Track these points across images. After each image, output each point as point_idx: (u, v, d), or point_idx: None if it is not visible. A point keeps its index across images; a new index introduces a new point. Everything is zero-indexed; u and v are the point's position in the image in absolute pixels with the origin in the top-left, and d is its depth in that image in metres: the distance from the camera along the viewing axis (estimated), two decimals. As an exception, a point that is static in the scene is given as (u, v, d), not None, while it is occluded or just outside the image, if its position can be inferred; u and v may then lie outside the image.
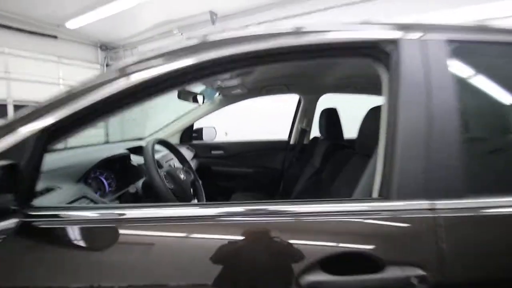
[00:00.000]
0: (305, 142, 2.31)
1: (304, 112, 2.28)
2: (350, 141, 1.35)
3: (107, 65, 6.29)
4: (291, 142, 2.36)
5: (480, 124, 0.70)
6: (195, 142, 2.36)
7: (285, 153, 2.39)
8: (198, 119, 2.22)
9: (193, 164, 2.11)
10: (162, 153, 1.61)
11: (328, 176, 1.29)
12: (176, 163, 1.51)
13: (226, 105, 2.20)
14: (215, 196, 2.47)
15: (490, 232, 0.56)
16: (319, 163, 1.71)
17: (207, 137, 2.42)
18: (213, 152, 2.36)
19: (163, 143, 1.37)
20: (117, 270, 0.53)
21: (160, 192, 0.95)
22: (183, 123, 2.20)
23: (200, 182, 1.48)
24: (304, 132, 2.31)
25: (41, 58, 5.36)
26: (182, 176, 1.10)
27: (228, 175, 2.38)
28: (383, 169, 0.60)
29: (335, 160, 1.31)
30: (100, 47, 6.15)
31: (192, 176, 1.33)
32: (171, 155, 1.50)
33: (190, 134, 2.33)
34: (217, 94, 2.13)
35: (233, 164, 2.38)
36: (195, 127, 2.38)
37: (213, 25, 4.24)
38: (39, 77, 5.33)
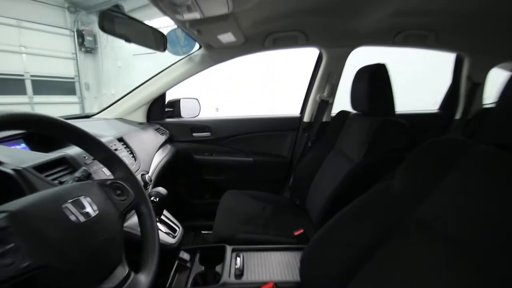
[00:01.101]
0: (325, 119, 1.63)
1: (326, 75, 1.58)
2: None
3: (78, 31, 5.36)
4: (305, 119, 1.68)
5: None
6: (169, 120, 1.66)
7: (296, 134, 1.72)
8: (171, 86, 1.51)
9: (166, 152, 1.43)
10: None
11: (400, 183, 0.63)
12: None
13: (215, 63, 1.48)
14: (200, 195, 1.85)
15: None
16: (361, 150, 1.05)
17: (187, 113, 1.72)
18: (195, 134, 1.67)
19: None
20: None
21: None
22: (149, 93, 1.49)
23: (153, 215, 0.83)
24: (325, 105, 1.62)
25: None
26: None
27: (217, 166, 1.72)
28: None
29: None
30: (68, 8, 5.19)
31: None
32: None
33: (161, 109, 1.62)
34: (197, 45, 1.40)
35: (223, 150, 1.71)
36: (168, 98, 1.67)
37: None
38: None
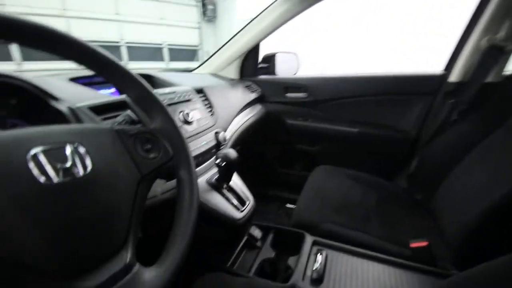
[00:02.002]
0: (492, 78, 1.01)
1: (507, 4, 0.94)
2: None
3: (202, 1, 5.86)
4: (452, 78, 1.11)
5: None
6: (262, 77, 1.47)
7: (431, 101, 1.19)
8: (265, 36, 1.27)
9: (254, 112, 1.27)
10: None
11: None
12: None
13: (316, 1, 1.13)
14: (289, 164, 1.64)
15: None
16: None
17: (282, 69, 1.47)
18: (289, 94, 1.42)
19: None
20: None
21: None
22: (240, 46, 1.31)
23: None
24: (496, 54, 1.00)
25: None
26: None
27: (311, 134, 1.43)
28: None
29: None
30: (195, -21, 5.69)
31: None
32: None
33: (254, 64, 1.44)
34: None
35: (321, 116, 1.40)
36: (262, 53, 1.46)
37: None
38: (144, 18, 5.50)
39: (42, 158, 0.28)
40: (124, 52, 5.31)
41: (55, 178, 0.28)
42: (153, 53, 5.67)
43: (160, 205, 0.58)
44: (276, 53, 1.47)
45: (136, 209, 0.35)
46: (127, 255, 0.32)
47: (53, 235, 0.26)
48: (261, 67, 1.47)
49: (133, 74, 0.42)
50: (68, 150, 0.30)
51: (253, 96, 1.32)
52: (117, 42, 5.23)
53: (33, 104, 0.51)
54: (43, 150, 0.28)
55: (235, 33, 1.30)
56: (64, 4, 4.50)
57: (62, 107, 0.51)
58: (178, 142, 0.45)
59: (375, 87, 1.27)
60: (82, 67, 0.38)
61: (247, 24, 1.28)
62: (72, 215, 0.28)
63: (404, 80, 1.23)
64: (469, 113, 1.01)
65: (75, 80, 0.68)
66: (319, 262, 0.71)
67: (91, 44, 0.37)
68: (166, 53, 5.88)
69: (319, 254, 0.73)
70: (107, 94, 0.65)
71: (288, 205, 1.56)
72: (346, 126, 1.35)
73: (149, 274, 0.33)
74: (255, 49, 1.37)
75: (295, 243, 0.81)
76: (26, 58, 4.06)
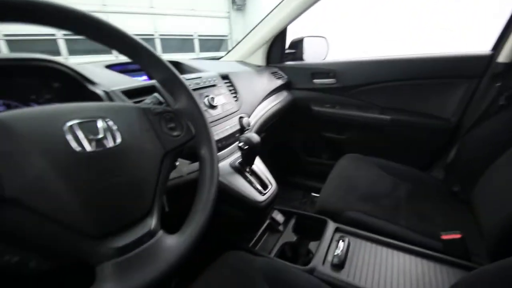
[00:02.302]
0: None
1: None
2: None
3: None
4: (500, 58, 0.99)
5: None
6: (288, 63, 1.44)
7: (476, 84, 1.08)
8: (291, 20, 1.24)
9: (280, 99, 1.26)
10: None
11: None
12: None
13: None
14: (315, 153, 1.60)
15: None
16: None
17: (310, 55, 1.43)
18: (316, 80, 1.38)
19: None
20: None
21: None
22: (266, 31, 1.29)
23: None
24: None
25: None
26: None
27: (339, 121, 1.39)
28: None
29: None
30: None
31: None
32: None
33: (281, 50, 1.41)
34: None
35: (350, 102, 1.34)
36: (290, 38, 1.42)
37: None
38: (176, 10, 5.64)
39: (77, 130, 0.31)
40: (157, 44, 5.54)
41: (88, 148, 0.31)
42: (184, 44, 5.83)
43: (184, 185, 0.62)
44: (304, 37, 1.42)
45: (160, 182, 0.38)
46: (152, 222, 0.35)
47: (87, 199, 0.30)
48: (288, 53, 1.45)
49: (161, 59, 0.44)
50: (100, 124, 0.33)
51: (279, 82, 1.31)
52: (152, 35, 5.45)
53: (73, 88, 0.56)
54: (78, 123, 0.31)
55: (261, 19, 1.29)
56: (104, 0, 4.79)
57: (98, 90, 0.55)
58: (200, 122, 0.47)
59: (411, 71, 1.18)
60: (118, 54, 0.42)
61: (272, 10, 1.26)
62: (103, 182, 0.31)
63: (445, 62, 1.12)
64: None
65: (110, 67, 0.74)
66: (341, 248, 0.70)
67: (126, 31, 0.39)
68: (196, 44, 6.01)
69: (341, 240, 0.72)
70: (139, 80, 0.70)
71: (313, 194, 1.54)
72: (377, 113, 1.28)
73: (171, 241, 0.36)
74: (281, 35, 1.34)
75: (317, 229, 0.81)
76: (71, 53, 4.51)
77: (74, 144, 0.30)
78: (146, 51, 0.43)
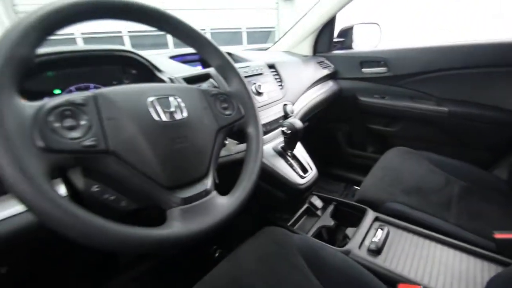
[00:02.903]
0: None
1: None
2: None
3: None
4: None
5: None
6: (336, 52, 1.41)
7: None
8: (340, 8, 1.21)
9: (325, 89, 1.27)
10: None
11: None
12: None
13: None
14: (360, 145, 1.55)
15: None
16: None
17: (360, 43, 1.39)
18: (365, 69, 1.33)
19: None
20: None
21: None
22: (314, 21, 1.29)
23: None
24: None
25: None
26: None
27: (388, 113, 1.33)
28: None
29: None
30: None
31: None
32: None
33: (328, 39, 1.39)
34: None
35: (402, 93, 1.27)
36: (339, 26, 1.39)
37: None
38: (226, 3, 5.83)
39: (156, 104, 0.39)
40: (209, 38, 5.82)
41: (164, 118, 0.39)
42: (233, 37, 6.00)
43: (232, 163, 0.69)
44: (354, 25, 1.38)
45: (214, 152, 0.45)
46: (208, 183, 0.42)
47: (163, 158, 0.38)
48: (337, 42, 1.42)
49: (219, 48, 0.52)
50: (171, 100, 0.41)
51: (325, 72, 1.31)
52: (204, 30, 5.75)
53: (145, 74, 0.67)
54: (156, 98, 0.40)
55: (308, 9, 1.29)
56: (163, -2, 5.20)
57: (164, 77, 0.66)
58: (249, 104, 0.53)
59: (475, 58, 1.06)
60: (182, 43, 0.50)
61: (318, 0, 1.25)
62: (174, 146, 0.39)
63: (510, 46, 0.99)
64: None
65: (173, 57, 0.85)
66: (379, 236, 0.70)
67: (193, 26, 0.47)
68: (244, 37, 6.14)
69: (380, 229, 0.73)
70: (196, 69, 0.79)
71: (355, 187, 1.52)
72: (433, 104, 1.20)
73: (222, 200, 0.43)
74: (330, 23, 1.33)
75: (355, 217, 0.82)
76: (133, 47, 5.13)
77: (154, 115, 0.39)
78: (207, 42, 0.50)
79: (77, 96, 0.34)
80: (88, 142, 0.32)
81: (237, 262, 0.61)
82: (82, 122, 0.33)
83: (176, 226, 0.36)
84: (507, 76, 1.02)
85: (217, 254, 1.05)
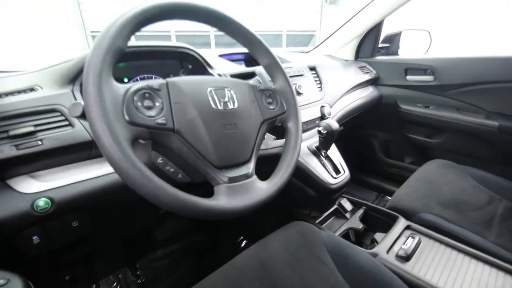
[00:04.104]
0: None
1: None
2: None
3: None
4: None
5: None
6: (380, 58, 1.39)
7: None
8: (387, 14, 1.20)
9: (365, 94, 1.26)
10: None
11: None
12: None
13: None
14: (397, 155, 1.51)
15: None
16: None
17: (408, 49, 1.35)
18: (410, 77, 1.29)
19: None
20: None
21: None
22: (358, 26, 1.28)
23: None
24: None
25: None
26: None
27: (431, 123, 1.27)
28: None
29: None
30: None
31: None
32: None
33: (373, 44, 1.38)
34: None
35: (448, 103, 1.21)
36: (385, 32, 1.37)
37: None
38: (268, 5, 5.92)
39: (213, 93, 0.46)
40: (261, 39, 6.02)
41: (219, 106, 0.45)
42: (274, 40, 6.09)
43: (269, 156, 0.74)
44: (402, 31, 1.35)
45: (257, 141, 0.51)
46: (250, 167, 0.48)
47: (215, 140, 0.44)
48: (381, 47, 1.40)
49: (268, 48, 0.57)
50: (226, 91, 0.47)
51: (366, 77, 1.30)
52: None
53: (198, 69, 0.75)
54: (214, 89, 0.46)
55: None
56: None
57: (214, 73, 0.73)
58: (291, 101, 0.58)
59: None
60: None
61: (368, 3, 1.24)
62: (225, 131, 0.46)
63: None
64: None
65: (221, 56, 0.92)
66: (409, 244, 0.69)
67: (248, 27, 0.53)
68: (284, 40, 6.19)
69: (411, 237, 0.72)
70: (242, 67, 0.86)
71: (388, 197, 1.47)
72: (481, 118, 1.12)
73: (261, 184, 0.48)
74: (376, 28, 1.31)
75: (386, 223, 0.81)
76: (217, 45, 5.84)
77: (211, 103, 0.45)
78: (259, 43, 0.55)
79: (154, 82, 0.41)
80: (160, 120, 0.39)
81: (266, 249, 0.64)
82: (157, 104, 0.40)
83: (222, 199, 0.42)
84: None
85: (243, 244, 1.11)
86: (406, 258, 0.66)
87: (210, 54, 0.88)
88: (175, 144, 0.41)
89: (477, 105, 1.13)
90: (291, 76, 0.90)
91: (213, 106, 0.45)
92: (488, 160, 1.15)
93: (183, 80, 0.45)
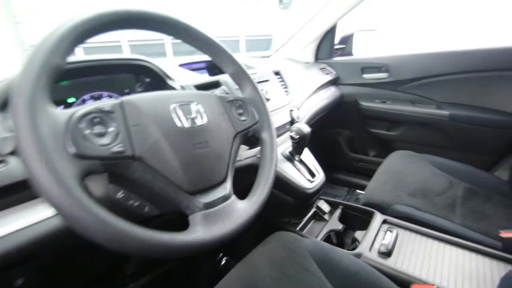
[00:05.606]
0: None
1: None
2: None
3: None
4: None
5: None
6: (337, 59, 1.45)
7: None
8: (341, 16, 1.25)
9: (328, 94, 1.29)
10: None
11: None
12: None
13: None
14: (361, 150, 1.57)
15: None
16: None
17: (360, 50, 1.42)
18: (366, 75, 1.36)
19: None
20: None
21: None
22: (315, 28, 1.32)
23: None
24: None
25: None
26: None
27: (389, 117, 1.35)
28: None
29: None
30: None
31: None
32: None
33: (330, 46, 1.43)
34: None
35: (402, 98, 1.30)
36: (339, 33, 1.43)
37: None
38: (224, 12, 5.90)
39: (178, 110, 0.41)
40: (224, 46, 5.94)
41: (185, 124, 0.40)
42: (232, 46, 6.09)
43: (243, 168, 0.70)
44: (354, 32, 1.42)
45: (232, 156, 0.47)
46: (227, 187, 0.43)
47: (185, 163, 0.39)
48: (337, 49, 1.46)
49: (233, 56, 0.53)
50: (192, 106, 0.43)
51: (327, 78, 1.33)
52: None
53: (157, 82, 0.68)
54: (179, 105, 0.41)
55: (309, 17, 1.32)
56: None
57: (176, 85, 0.67)
58: (262, 109, 0.55)
59: (476, 63, 1.10)
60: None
61: (321, 7, 1.28)
62: (195, 151, 0.41)
63: None
64: None
65: (182, 65, 0.86)
66: (388, 239, 0.71)
67: (208, 35, 0.49)
68: (243, 45, 6.23)
69: (389, 231, 0.74)
70: (205, 76, 0.81)
71: (358, 191, 1.53)
72: (433, 108, 1.22)
73: (241, 204, 0.44)
74: (331, 31, 1.36)
75: (363, 220, 0.83)
76: (175, 54, 5.50)
77: (176, 121, 0.40)
78: (222, 50, 0.52)
79: (105, 103, 0.35)
80: (116, 149, 0.33)
81: (250, 268, 0.61)
82: (110, 129, 0.34)
83: (199, 230, 0.37)
84: (505, 80, 1.05)
85: (223, 262, 1.05)
86: (388, 253, 0.68)
87: (169, 65, 0.81)
88: (137, 174, 0.36)
89: (429, 97, 1.22)
90: (257, 82, 0.87)
91: (179, 124, 0.40)
92: (443, 147, 1.26)
93: (141, 98, 0.39)
